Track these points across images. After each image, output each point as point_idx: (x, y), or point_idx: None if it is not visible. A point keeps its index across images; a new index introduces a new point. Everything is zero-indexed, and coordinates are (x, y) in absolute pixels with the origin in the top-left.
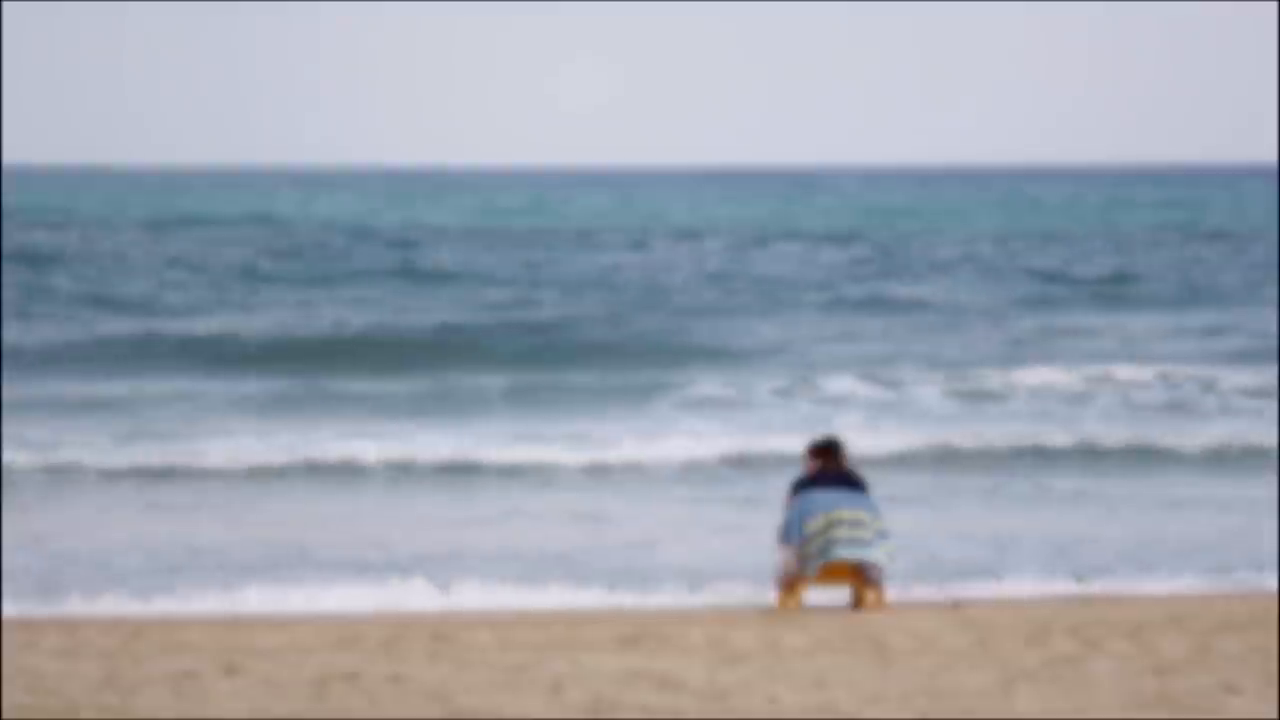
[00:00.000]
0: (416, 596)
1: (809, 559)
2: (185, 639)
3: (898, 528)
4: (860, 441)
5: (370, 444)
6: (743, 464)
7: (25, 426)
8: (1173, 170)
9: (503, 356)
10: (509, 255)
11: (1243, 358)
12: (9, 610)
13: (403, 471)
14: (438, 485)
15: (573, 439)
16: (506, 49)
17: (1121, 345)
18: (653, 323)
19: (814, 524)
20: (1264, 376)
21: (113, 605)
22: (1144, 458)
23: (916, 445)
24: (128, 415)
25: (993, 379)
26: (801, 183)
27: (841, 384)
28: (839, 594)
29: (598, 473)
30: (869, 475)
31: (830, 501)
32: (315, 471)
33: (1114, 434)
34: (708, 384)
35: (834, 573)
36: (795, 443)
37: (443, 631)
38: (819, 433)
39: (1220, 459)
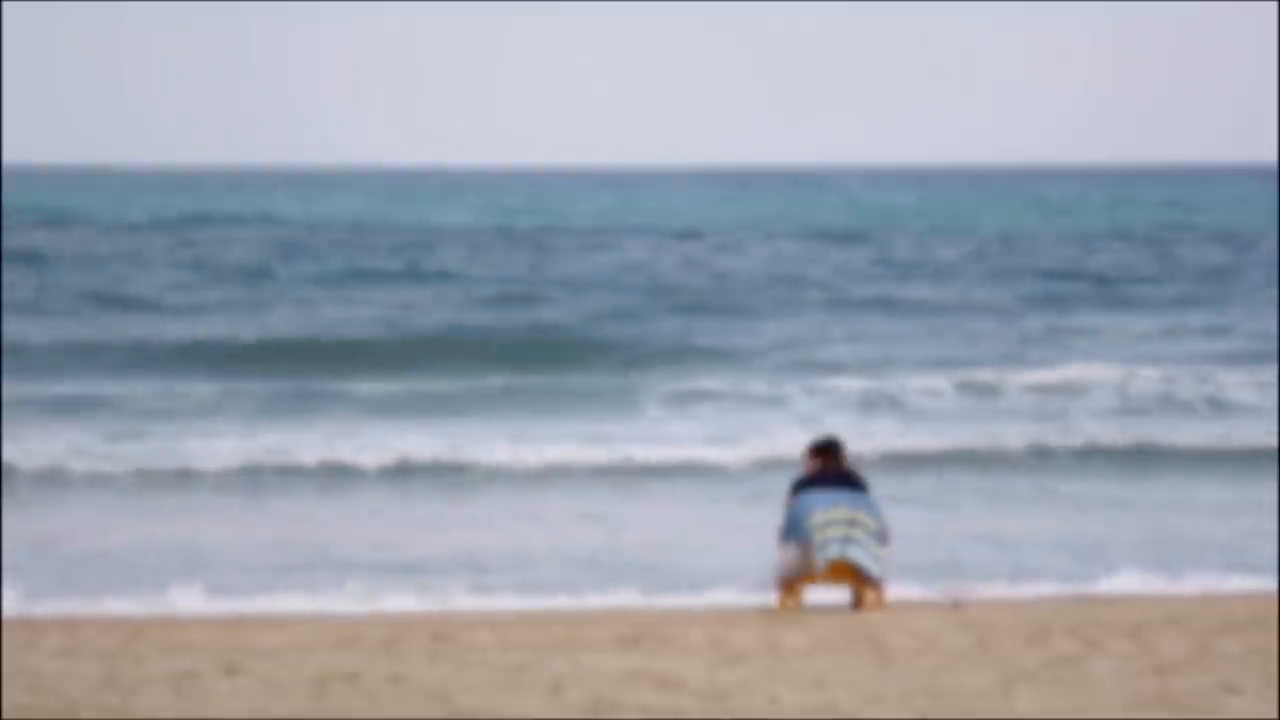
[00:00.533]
0: (416, 597)
1: (819, 552)
2: (185, 639)
3: (899, 528)
4: (861, 442)
5: (371, 444)
6: (744, 464)
7: (25, 426)
8: (1173, 170)
9: (503, 356)
10: (510, 255)
11: (1243, 358)
12: (9, 610)
13: (403, 471)
14: (438, 485)
15: (573, 439)
16: (506, 49)
17: (1122, 345)
18: (655, 322)
19: (815, 523)
20: (1264, 376)
21: (113, 605)
22: (1145, 458)
23: (917, 445)
24: (128, 415)
25: (993, 379)
26: (805, 182)
27: (844, 383)
28: (839, 594)
29: (598, 473)
30: (869, 476)
31: (830, 501)
32: (316, 471)
33: (1115, 434)
34: (710, 383)
35: (835, 572)
36: (797, 443)
37: (443, 631)
38: (819, 432)
39: (1220, 459)
